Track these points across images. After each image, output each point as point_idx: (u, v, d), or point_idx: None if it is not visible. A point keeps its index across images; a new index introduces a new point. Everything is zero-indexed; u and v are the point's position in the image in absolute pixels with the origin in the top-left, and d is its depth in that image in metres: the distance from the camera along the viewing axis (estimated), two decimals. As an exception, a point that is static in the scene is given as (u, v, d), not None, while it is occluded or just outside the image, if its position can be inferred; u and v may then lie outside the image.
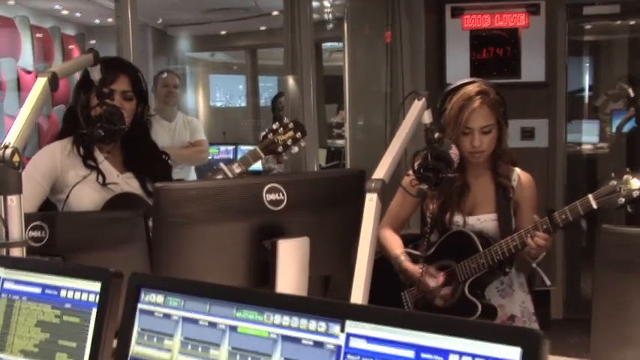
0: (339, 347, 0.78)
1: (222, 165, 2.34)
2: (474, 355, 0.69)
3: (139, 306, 0.94)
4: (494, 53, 5.24)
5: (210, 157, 5.73)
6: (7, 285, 1.11)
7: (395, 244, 2.46)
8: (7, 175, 1.65)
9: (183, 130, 5.06)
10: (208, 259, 1.58)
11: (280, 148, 2.45)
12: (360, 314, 0.76)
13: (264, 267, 1.60)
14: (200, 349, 0.89)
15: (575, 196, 2.38)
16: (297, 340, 0.81)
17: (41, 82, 1.84)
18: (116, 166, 2.44)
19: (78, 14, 8.18)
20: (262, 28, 9.33)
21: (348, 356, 0.77)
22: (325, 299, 0.84)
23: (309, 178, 1.78)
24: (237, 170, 2.37)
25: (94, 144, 2.36)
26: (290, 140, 2.46)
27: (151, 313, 0.93)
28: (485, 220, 2.38)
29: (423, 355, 0.71)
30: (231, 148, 8.52)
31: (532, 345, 0.66)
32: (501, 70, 5.22)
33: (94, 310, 0.99)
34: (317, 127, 9.50)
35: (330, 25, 7.96)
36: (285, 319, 0.82)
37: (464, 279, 2.31)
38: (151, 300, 0.93)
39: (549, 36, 5.21)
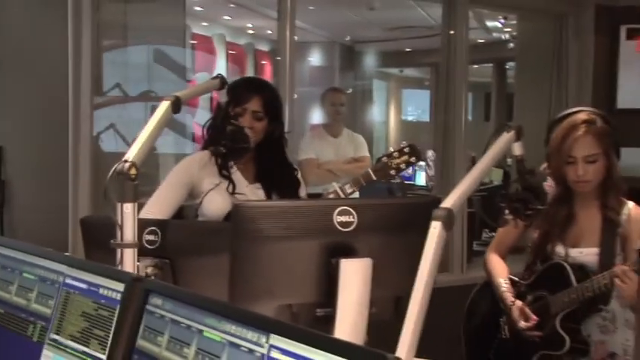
0: (263, 355, 0.91)
1: (335, 185, 2.50)
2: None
3: (146, 307, 1.13)
4: (673, 78, 4.95)
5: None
6: (68, 280, 1.36)
7: (499, 271, 2.48)
8: (125, 186, 1.90)
9: (347, 146, 5.24)
10: (280, 272, 1.73)
11: (393, 172, 2.55)
12: (280, 329, 0.89)
13: (332, 283, 1.73)
14: (178, 347, 1.06)
15: None
16: (237, 346, 0.96)
17: (164, 105, 2.09)
18: (247, 177, 2.66)
19: (269, 31, 8.73)
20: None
21: (268, 364, 0.90)
22: (261, 314, 0.98)
23: (381, 203, 1.88)
24: (349, 190, 2.51)
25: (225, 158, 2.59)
26: (404, 164, 2.55)
27: (152, 313, 1.12)
28: (588, 254, 2.33)
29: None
30: (410, 163, 8.61)
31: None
32: (681, 96, 4.93)
33: (118, 307, 1.20)
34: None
35: (511, 45, 7.88)
36: (232, 328, 0.96)
37: (555, 312, 2.29)
38: (154, 303, 1.12)
39: None
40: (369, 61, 11.38)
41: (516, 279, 2.45)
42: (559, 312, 2.29)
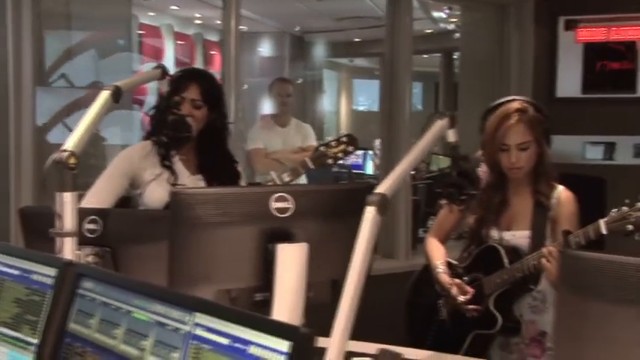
0: (188, 333, 0.95)
1: (273, 174, 2.54)
2: (262, 345, 0.85)
3: (78, 291, 1.16)
4: (609, 67, 5.10)
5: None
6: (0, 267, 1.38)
7: (436, 254, 2.57)
8: (64, 175, 1.91)
9: (295, 136, 5.29)
10: (218, 258, 1.77)
11: (330, 161, 2.61)
12: (204, 307, 0.93)
13: (269, 268, 1.77)
14: (109, 328, 1.09)
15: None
16: (163, 325, 1.00)
17: (104, 94, 2.10)
18: (189, 168, 2.68)
19: (217, 22, 8.69)
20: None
21: (192, 341, 0.95)
22: (185, 294, 1.02)
23: (317, 189, 1.93)
24: (287, 179, 2.55)
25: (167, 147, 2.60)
26: (341, 153, 2.61)
27: (83, 296, 1.15)
28: (520, 237, 2.43)
29: (235, 344, 0.87)
30: (360, 152, 8.58)
31: (301, 340, 0.80)
32: (616, 85, 5.09)
33: (51, 292, 1.22)
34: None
35: (458, 35, 7.99)
36: (160, 308, 1.00)
37: (489, 293, 2.38)
38: (86, 286, 1.15)
39: (671, 49, 5.01)
40: (319, 51, 11.43)
41: (455, 262, 2.54)
42: (492, 293, 2.38)
